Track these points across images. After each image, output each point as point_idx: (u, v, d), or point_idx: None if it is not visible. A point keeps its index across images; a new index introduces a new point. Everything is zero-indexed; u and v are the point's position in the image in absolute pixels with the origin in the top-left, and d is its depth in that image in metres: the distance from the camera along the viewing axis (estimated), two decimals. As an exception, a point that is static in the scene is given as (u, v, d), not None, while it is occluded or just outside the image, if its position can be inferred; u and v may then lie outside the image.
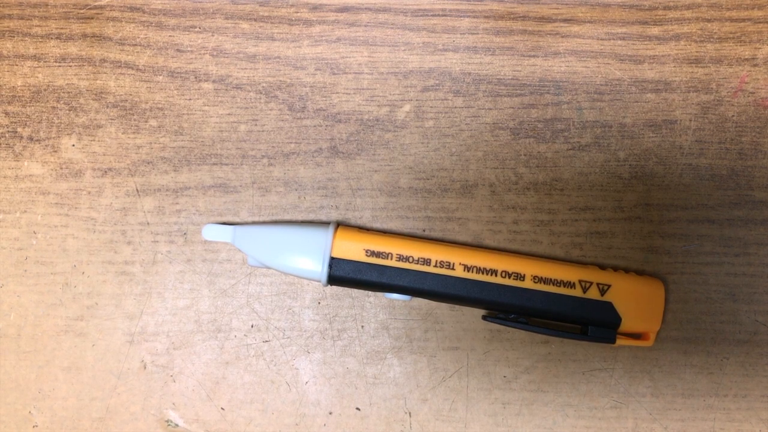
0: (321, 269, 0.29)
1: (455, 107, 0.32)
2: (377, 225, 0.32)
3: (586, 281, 0.29)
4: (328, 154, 0.32)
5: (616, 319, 0.29)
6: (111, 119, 0.32)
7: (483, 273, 0.29)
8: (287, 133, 0.32)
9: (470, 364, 0.31)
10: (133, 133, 0.32)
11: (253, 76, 0.32)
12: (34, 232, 0.32)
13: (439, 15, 0.32)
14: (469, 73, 0.32)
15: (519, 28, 0.32)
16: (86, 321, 0.32)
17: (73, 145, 0.32)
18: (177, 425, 0.32)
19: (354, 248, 0.29)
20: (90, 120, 0.32)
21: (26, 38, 0.32)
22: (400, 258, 0.29)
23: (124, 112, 0.32)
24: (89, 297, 0.32)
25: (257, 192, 0.32)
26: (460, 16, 0.32)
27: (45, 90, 0.32)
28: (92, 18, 0.32)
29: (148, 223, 0.32)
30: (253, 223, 0.32)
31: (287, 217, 0.32)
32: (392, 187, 0.32)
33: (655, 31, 0.32)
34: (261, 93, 0.32)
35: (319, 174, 0.32)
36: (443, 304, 0.31)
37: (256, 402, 0.32)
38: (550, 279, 0.29)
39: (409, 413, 0.31)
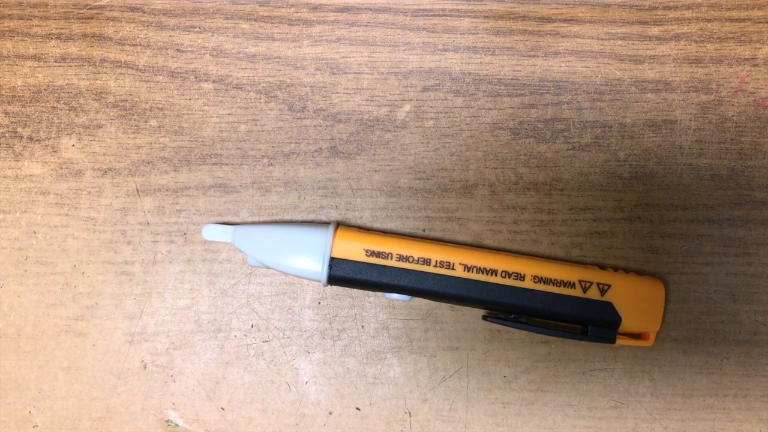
0: (321, 269, 0.29)
1: (455, 107, 0.32)
2: (377, 225, 0.32)
3: (586, 281, 0.29)
4: (328, 154, 0.32)
5: (616, 319, 0.29)
6: (111, 119, 0.32)
7: (483, 273, 0.29)
8: (287, 133, 0.32)
9: (470, 364, 0.31)
10: (133, 133, 0.32)
11: (253, 76, 0.32)
12: (34, 232, 0.32)
13: (439, 15, 0.32)
14: (469, 73, 0.32)
15: (519, 28, 0.32)
16: (86, 321, 0.32)
17: (73, 145, 0.32)
18: (177, 425, 0.32)
19: (354, 248, 0.29)
20: (90, 120, 0.32)
21: (26, 38, 0.32)
22: (400, 258, 0.29)
23: (124, 112, 0.32)
24: (89, 297, 0.32)
25: (257, 192, 0.32)
26: (460, 16, 0.32)
27: (45, 90, 0.32)
28: (92, 18, 0.32)
29: (148, 223, 0.32)
30: (253, 223, 0.32)
31: (287, 217, 0.32)
32: (392, 187, 0.32)
33: (655, 31, 0.32)
34: (261, 93, 0.32)
35: (319, 174, 0.32)
36: (443, 304, 0.31)
37: (256, 402, 0.32)
38: (550, 279, 0.29)
39: (409, 413, 0.31)
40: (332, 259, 0.29)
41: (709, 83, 0.32)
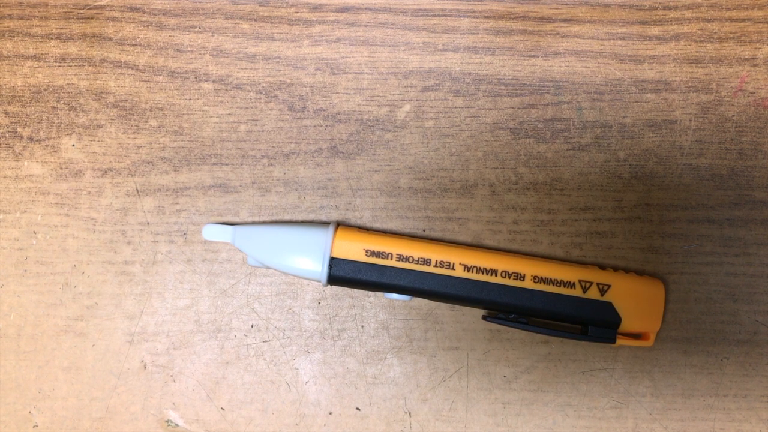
0: (321, 269, 0.29)
1: (455, 107, 0.32)
2: (377, 225, 0.32)
3: (586, 281, 0.29)
4: (328, 154, 0.32)
5: (616, 319, 0.29)
6: (111, 119, 0.32)
7: (483, 273, 0.29)
8: (287, 133, 0.32)
9: (470, 364, 0.31)
10: (133, 133, 0.32)
11: (253, 76, 0.32)
12: (34, 232, 0.32)
13: (439, 15, 0.32)
14: (469, 73, 0.32)
15: (519, 28, 0.32)
16: (86, 321, 0.32)
17: (73, 145, 0.32)
18: (177, 425, 0.32)
19: (354, 248, 0.29)
20: (90, 120, 0.32)
21: (26, 38, 0.32)
22: (400, 258, 0.29)
23: (124, 112, 0.32)
24: (89, 297, 0.32)
25: (257, 192, 0.32)
26: (460, 16, 0.32)
27: (45, 90, 0.32)
28: (92, 18, 0.32)
29: (148, 223, 0.32)
30: (253, 223, 0.32)
31: (287, 217, 0.32)
32: (392, 187, 0.32)
33: (655, 31, 0.32)
34: (261, 93, 0.32)
35: (319, 174, 0.32)
36: (443, 304, 0.31)
37: (256, 402, 0.32)
38: (550, 279, 0.29)
39: (409, 413, 0.31)
40: (332, 259, 0.29)
41: (709, 83, 0.32)
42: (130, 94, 0.32)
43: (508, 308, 0.29)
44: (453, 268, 0.29)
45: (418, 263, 0.29)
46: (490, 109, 0.32)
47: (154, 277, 0.32)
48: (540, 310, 0.29)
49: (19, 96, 0.32)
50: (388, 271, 0.29)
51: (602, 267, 0.31)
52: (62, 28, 0.32)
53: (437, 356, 0.31)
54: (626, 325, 0.29)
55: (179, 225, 0.32)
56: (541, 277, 0.29)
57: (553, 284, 0.29)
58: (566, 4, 0.32)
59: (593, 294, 0.29)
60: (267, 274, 0.32)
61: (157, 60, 0.32)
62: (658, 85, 0.32)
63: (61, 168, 0.32)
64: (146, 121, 0.32)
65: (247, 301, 0.32)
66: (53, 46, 0.32)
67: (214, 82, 0.32)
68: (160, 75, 0.32)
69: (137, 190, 0.32)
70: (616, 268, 0.31)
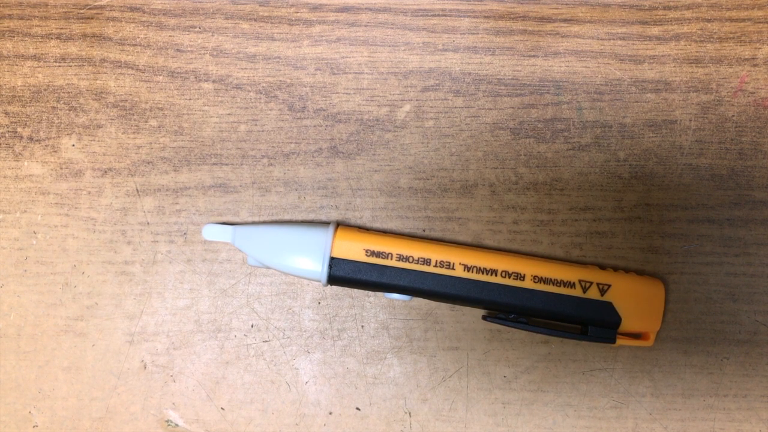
0: (321, 269, 0.29)
1: (455, 107, 0.32)
2: (377, 225, 0.32)
3: (586, 281, 0.29)
4: (328, 154, 0.32)
5: (616, 319, 0.29)
6: (111, 119, 0.32)
7: (483, 273, 0.29)
8: (287, 133, 0.32)
9: (470, 364, 0.31)
10: (133, 133, 0.32)
11: (253, 76, 0.32)
12: (34, 232, 0.32)
13: (439, 15, 0.32)
14: (469, 73, 0.32)
15: (519, 28, 0.32)
16: (86, 321, 0.32)
17: (73, 145, 0.32)
18: (177, 425, 0.32)
19: (354, 248, 0.29)
20: (90, 120, 0.32)
21: (26, 38, 0.32)
22: (400, 258, 0.29)
23: (124, 112, 0.32)
24: (89, 297, 0.32)
25: (257, 192, 0.32)
26: (460, 16, 0.32)
27: (45, 90, 0.32)
28: (92, 18, 0.32)
29: (148, 223, 0.32)
30: (253, 223, 0.32)
31: (287, 217, 0.32)
32: (392, 187, 0.32)
33: (655, 31, 0.32)
34: (261, 93, 0.32)
35: (319, 174, 0.32)
36: (443, 304, 0.31)
37: (256, 402, 0.32)
38: (550, 279, 0.29)
39: (409, 413, 0.31)
40: (332, 259, 0.29)
41: (709, 83, 0.32)
42: (130, 94, 0.32)
43: (508, 308, 0.29)
44: (453, 268, 0.29)
45: (418, 263, 0.29)
46: (490, 109, 0.32)
47: (154, 277, 0.32)
48: (540, 310, 0.29)
49: (19, 96, 0.32)
50: (388, 271, 0.29)
51: (602, 267, 0.31)
52: (62, 28, 0.32)
53: (437, 356, 0.31)
54: (626, 325, 0.29)
55: (179, 225, 0.32)
56: (541, 277, 0.29)
57: (553, 284, 0.29)
58: (566, 4, 0.32)
59: (593, 294, 0.29)
60: (267, 274, 0.32)
61: (157, 60, 0.32)
62: (658, 85, 0.32)
63: (61, 168, 0.32)
64: (146, 121, 0.32)
65: (247, 301, 0.32)
66: (53, 46, 0.32)
67: (214, 82, 0.32)
68: (160, 75, 0.32)
69: (137, 190, 0.32)
70: (616, 268, 0.31)
